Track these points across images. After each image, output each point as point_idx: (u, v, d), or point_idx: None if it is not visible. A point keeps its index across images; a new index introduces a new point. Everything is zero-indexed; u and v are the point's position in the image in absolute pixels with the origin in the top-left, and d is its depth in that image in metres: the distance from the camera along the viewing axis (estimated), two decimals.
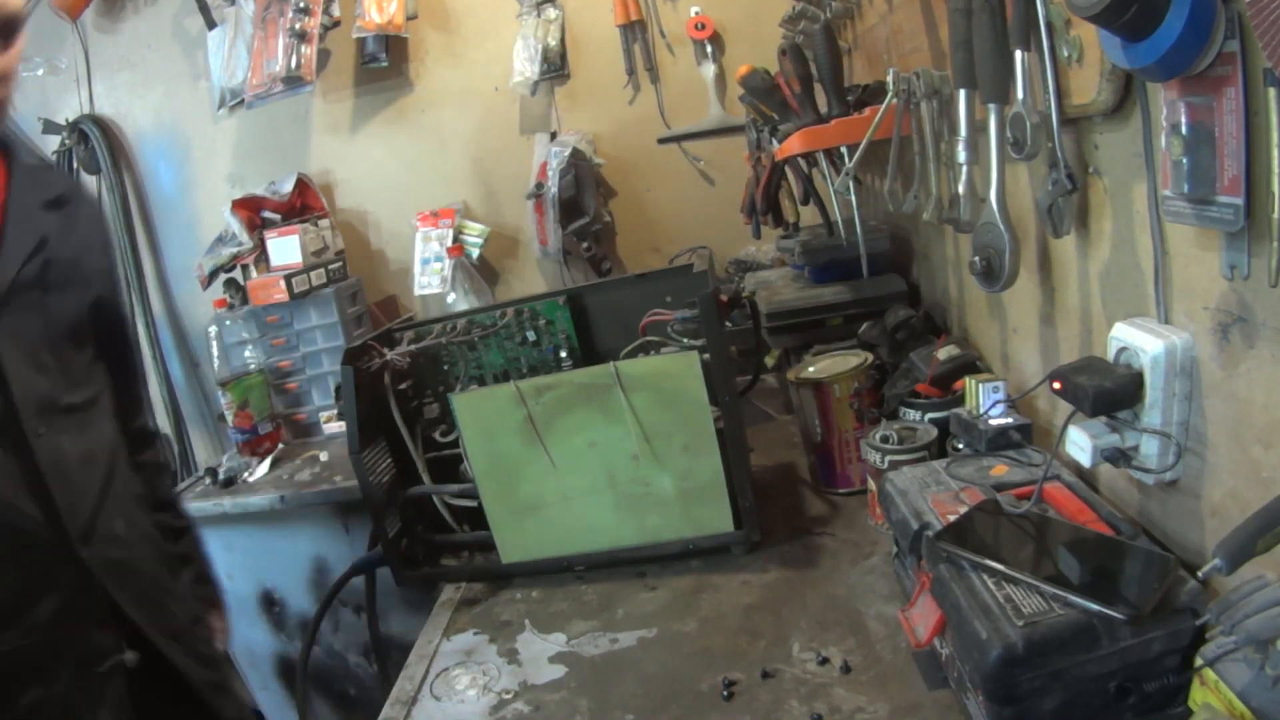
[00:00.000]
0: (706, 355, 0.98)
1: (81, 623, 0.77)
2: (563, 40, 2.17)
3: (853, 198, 1.11)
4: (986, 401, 0.89)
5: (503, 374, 1.19)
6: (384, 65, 2.19)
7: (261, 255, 1.99)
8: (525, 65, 2.13)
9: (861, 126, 1.02)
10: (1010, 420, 0.86)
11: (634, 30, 2.16)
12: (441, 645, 0.98)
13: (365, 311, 2.10)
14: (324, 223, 2.10)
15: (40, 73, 2.21)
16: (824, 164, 1.21)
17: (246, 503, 1.70)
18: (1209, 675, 0.51)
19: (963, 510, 0.73)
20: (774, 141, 1.31)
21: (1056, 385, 0.69)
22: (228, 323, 1.93)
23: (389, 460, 1.14)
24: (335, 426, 1.95)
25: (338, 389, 1.90)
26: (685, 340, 1.06)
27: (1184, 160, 0.54)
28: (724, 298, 1.08)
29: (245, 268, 2.01)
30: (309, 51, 2.06)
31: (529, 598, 1.06)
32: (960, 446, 0.91)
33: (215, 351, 1.89)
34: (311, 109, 2.25)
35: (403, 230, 2.20)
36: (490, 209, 2.26)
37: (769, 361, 1.50)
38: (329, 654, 1.85)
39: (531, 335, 1.18)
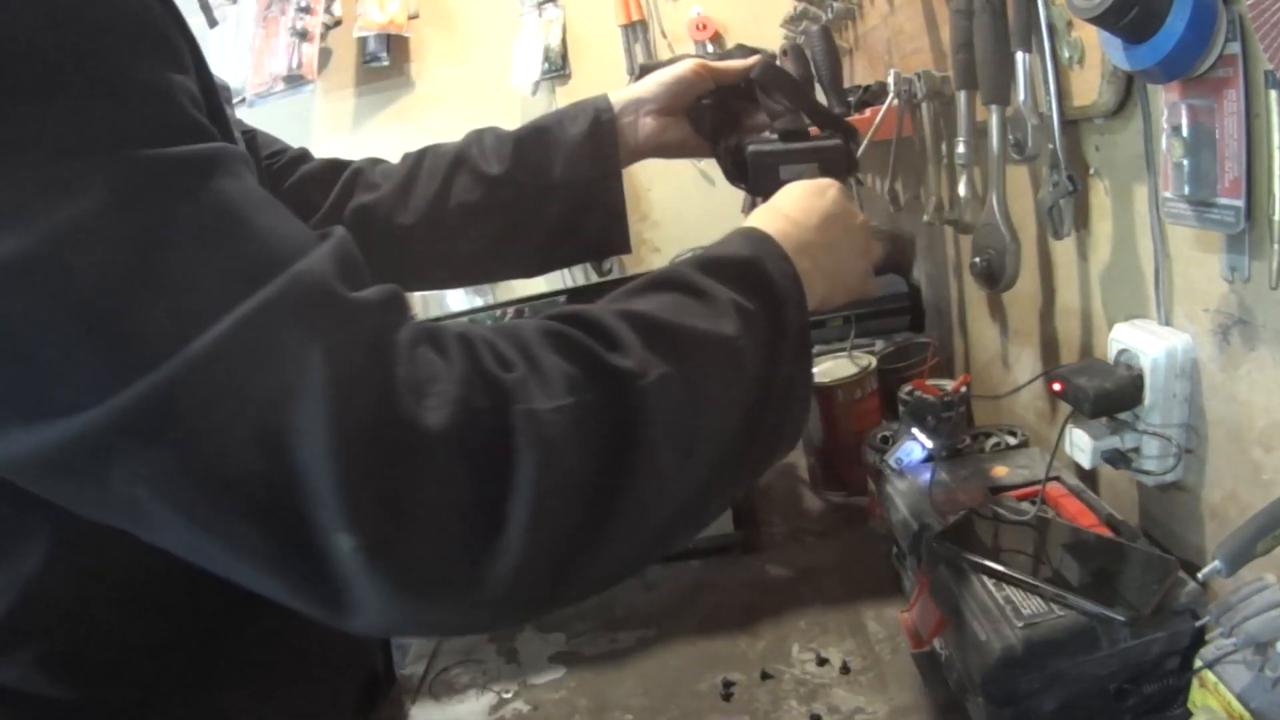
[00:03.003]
0: None
1: None
2: (564, 40, 2.17)
3: (856, 199, 1.11)
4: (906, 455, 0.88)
5: None
6: (385, 64, 2.19)
7: None
8: (526, 65, 2.14)
9: (862, 127, 1.02)
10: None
11: (635, 30, 2.16)
12: (441, 644, 0.98)
13: None
14: None
15: None
16: None
17: None
18: (1208, 677, 0.51)
19: (963, 511, 0.73)
20: None
21: (1057, 386, 0.69)
22: None
23: None
24: None
25: None
26: None
27: (1185, 162, 0.54)
28: None
29: None
30: (310, 50, 2.07)
31: None
32: (961, 449, 0.91)
33: None
34: (313, 108, 2.25)
35: None
36: None
37: None
38: None
39: None
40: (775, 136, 0.78)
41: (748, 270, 0.49)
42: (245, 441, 0.31)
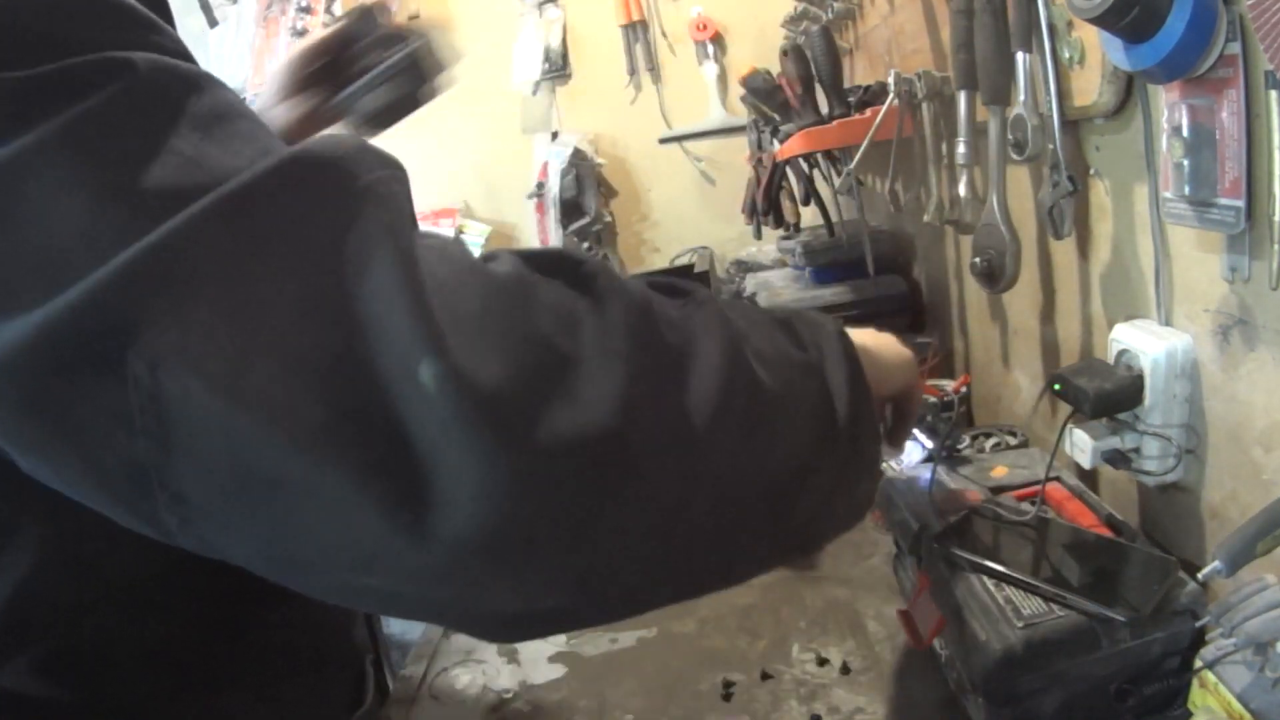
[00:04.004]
0: None
1: None
2: (564, 40, 2.17)
3: (856, 199, 1.11)
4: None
5: None
6: None
7: None
8: (526, 65, 2.14)
9: (862, 127, 1.02)
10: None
11: (635, 30, 2.16)
12: (441, 644, 0.98)
13: None
14: None
15: None
16: (824, 165, 1.21)
17: None
18: (1209, 677, 0.51)
19: (963, 511, 0.73)
20: (775, 142, 1.31)
21: (1057, 387, 0.69)
22: None
23: None
24: None
25: None
26: None
27: (1185, 162, 0.54)
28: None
29: None
30: None
31: None
32: (961, 449, 0.91)
33: None
34: None
35: None
36: (491, 208, 2.26)
37: None
38: None
39: None
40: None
41: (775, 311, 0.47)
42: (291, 282, 0.28)
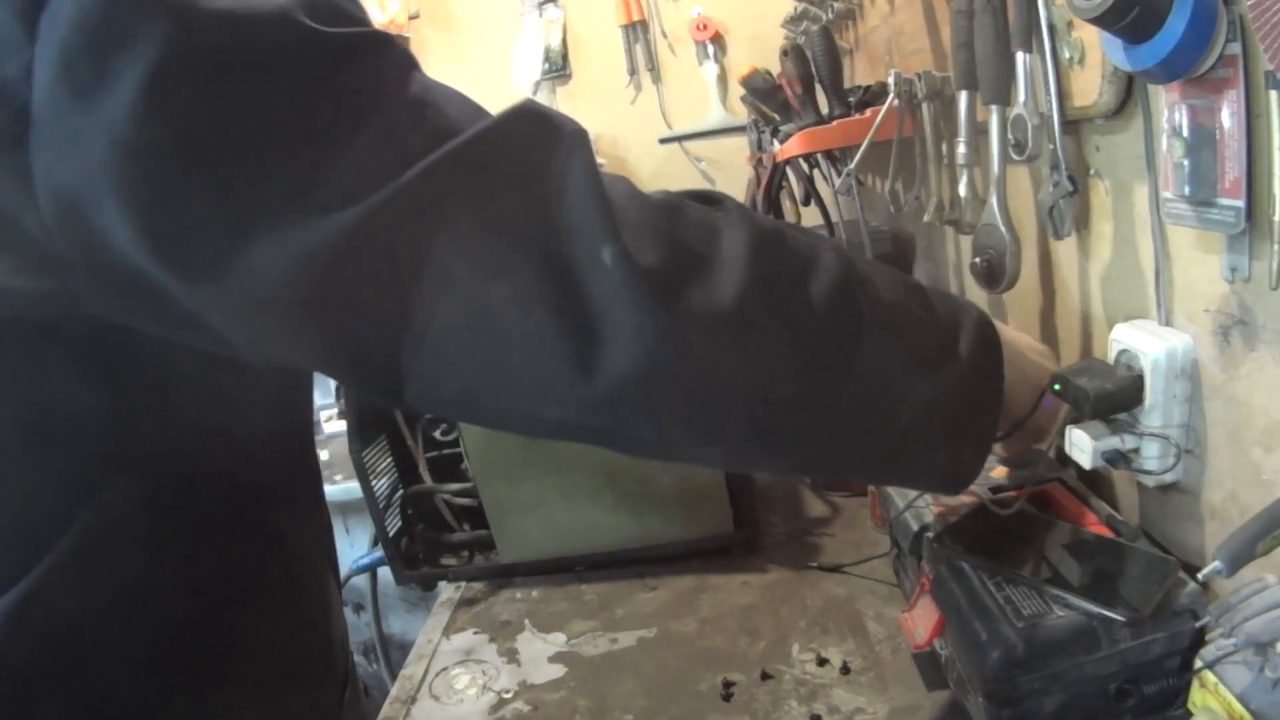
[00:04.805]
0: None
1: None
2: (564, 40, 2.17)
3: (856, 199, 1.11)
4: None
5: None
6: None
7: None
8: (527, 65, 2.14)
9: (862, 128, 1.03)
10: None
11: (636, 30, 2.16)
12: (441, 644, 0.98)
13: None
14: None
15: None
16: (824, 165, 1.21)
17: None
18: (1208, 678, 0.51)
19: (962, 511, 0.73)
20: (775, 142, 1.31)
21: (1057, 387, 0.69)
22: None
23: (389, 459, 1.14)
24: (336, 425, 1.95)
25: (338, 387, 1.91)
26: None
27: (1185, 162, 0.54)
28: None
29: None
30: None
31: (529, 597, 1.06)
32: None
33: None
34: None
35: None
36: None
37: None
38: None
39: None
40: None
41: (913, 280, 0.57)
42: (517, 194, 0.39)
